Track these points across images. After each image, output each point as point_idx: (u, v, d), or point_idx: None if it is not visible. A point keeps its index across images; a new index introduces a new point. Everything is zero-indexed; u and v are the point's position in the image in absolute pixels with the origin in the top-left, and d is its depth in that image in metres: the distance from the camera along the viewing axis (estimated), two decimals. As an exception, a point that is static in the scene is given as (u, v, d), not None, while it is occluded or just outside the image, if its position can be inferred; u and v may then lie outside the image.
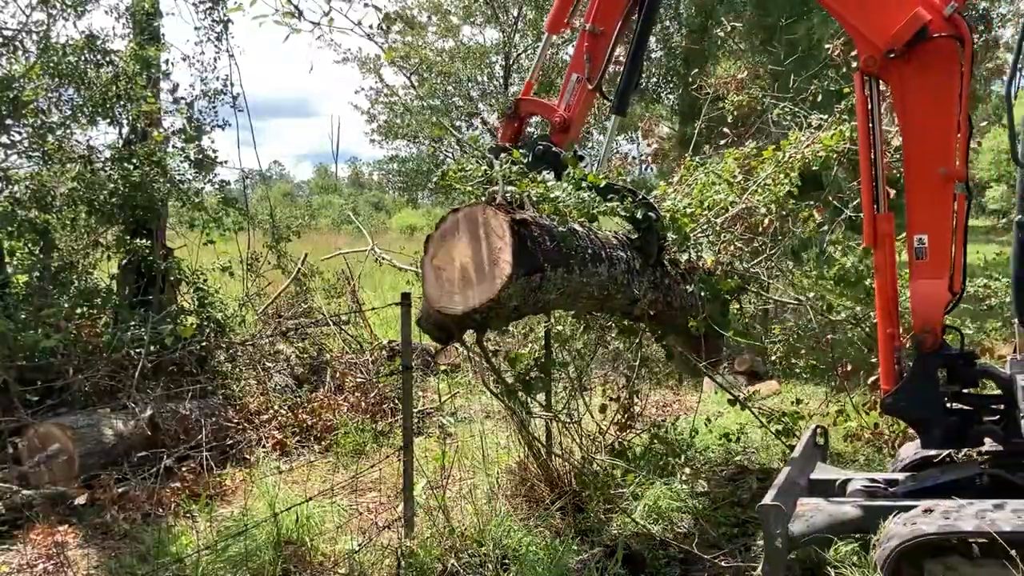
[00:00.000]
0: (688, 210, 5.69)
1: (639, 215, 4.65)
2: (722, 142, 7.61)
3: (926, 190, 4.14)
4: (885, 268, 4.26)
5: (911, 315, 4.26)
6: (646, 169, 9.60)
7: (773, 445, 6.85)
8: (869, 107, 4.22)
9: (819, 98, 7.34)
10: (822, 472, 4.66)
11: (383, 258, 9.75)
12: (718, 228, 5.88)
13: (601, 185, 4.63)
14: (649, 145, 8.67)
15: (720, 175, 6.18)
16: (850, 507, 4.05)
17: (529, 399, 4.76)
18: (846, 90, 6.36)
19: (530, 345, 5.87)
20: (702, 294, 5.33)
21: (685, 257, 5.28)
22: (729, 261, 5.84)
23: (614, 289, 4.53)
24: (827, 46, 7.57)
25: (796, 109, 7.11)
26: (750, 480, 6.17)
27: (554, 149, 5.00)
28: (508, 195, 3.97)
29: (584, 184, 4.54)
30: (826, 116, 6.46)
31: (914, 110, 4.14)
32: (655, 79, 11.02)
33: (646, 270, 4.83)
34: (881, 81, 4.25)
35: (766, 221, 6.20)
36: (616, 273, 4.48)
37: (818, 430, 5.07)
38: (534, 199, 4.12)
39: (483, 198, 4.01)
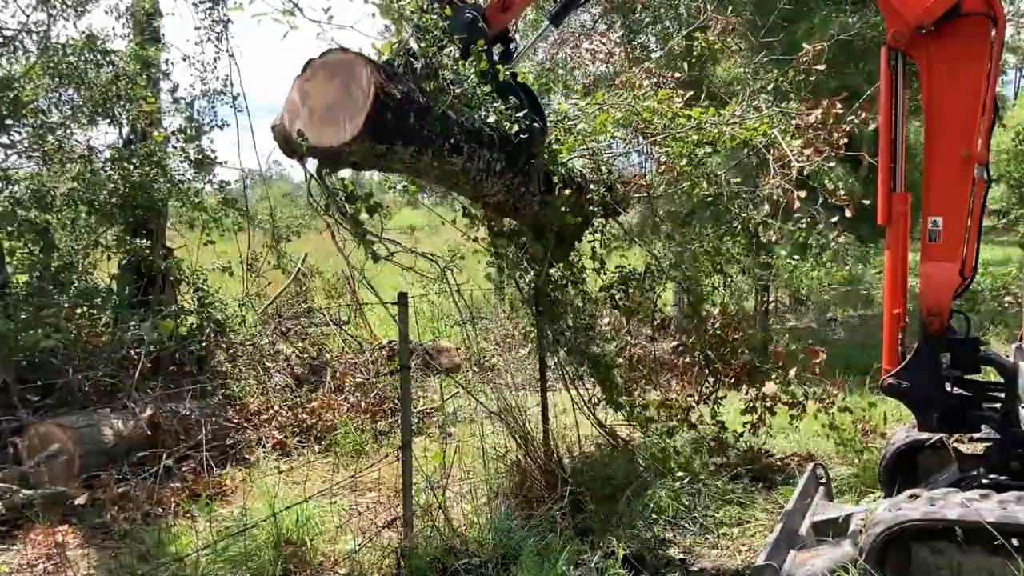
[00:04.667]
0: (578, 136, 5.57)
1: (514, 130, 4.55)
2: (677, 73, 7.37)
3: (945, 172, 4.08)
4: (897, 247, 4.23)
5: (919, 297, 4.22)
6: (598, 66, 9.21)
7: (775, 445, 6.86)
8: (893, 83, 4.16)
9: (784, 85, 7.08)
10: (825, 511, 4.52)
11: None
12: (600, 162, 5.72)
13: (501, 81, 4.53)
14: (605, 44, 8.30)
15: (639, 111, 5.93)
16: (848, 545, 4.00)
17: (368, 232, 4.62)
18: (790, 92, 6.21)
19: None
20: (549, 217, 5.27)
21: (556, 178, 5.15)
22: (604, 191, 5.67)
23: (463, 180, 4.55)
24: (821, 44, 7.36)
25: (763, 85, 6.80)
26: (750, 478, 6.17)
27: (480, 25, 4.75)
28: (410, 51, 4.00)
29: (490, 74, 4.44)
30: (772, 103, 6.30)
31: (939, 88, 4.06)
32: (655, 79, 10.96)
33: (505, 174, 4.76)
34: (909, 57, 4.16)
35: (661, 168, 6.13)
36: (471, 168, 4.46)
37: (817, 469, 4.95)
38: (433, 67, 4.11)
39: (403, 36, 4.04)
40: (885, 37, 4.16)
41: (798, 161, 5.54)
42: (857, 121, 5.52)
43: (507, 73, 4.63)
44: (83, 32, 7.61)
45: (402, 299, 4.76)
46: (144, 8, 8.23)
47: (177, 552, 4.67)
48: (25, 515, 5.32)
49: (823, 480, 4.94)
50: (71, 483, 5.71)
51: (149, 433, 6.31)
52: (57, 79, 7.38)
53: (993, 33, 3.98)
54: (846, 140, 5.64)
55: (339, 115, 3.73)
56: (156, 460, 5.74)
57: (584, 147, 5.56)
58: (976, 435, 4.53)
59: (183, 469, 6.01)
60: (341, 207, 4.15)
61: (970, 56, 3.99)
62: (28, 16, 7.46)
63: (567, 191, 5.16)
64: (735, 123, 5.94)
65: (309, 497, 4.81)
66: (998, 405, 4.25)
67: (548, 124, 5.08)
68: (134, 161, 7.49)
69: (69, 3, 7.58)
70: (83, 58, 7.45)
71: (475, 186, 4.63)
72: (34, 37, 7.49)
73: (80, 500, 5.45)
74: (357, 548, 4.68)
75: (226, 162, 8.50)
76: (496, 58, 4.80)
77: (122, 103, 7.67)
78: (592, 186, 5.57)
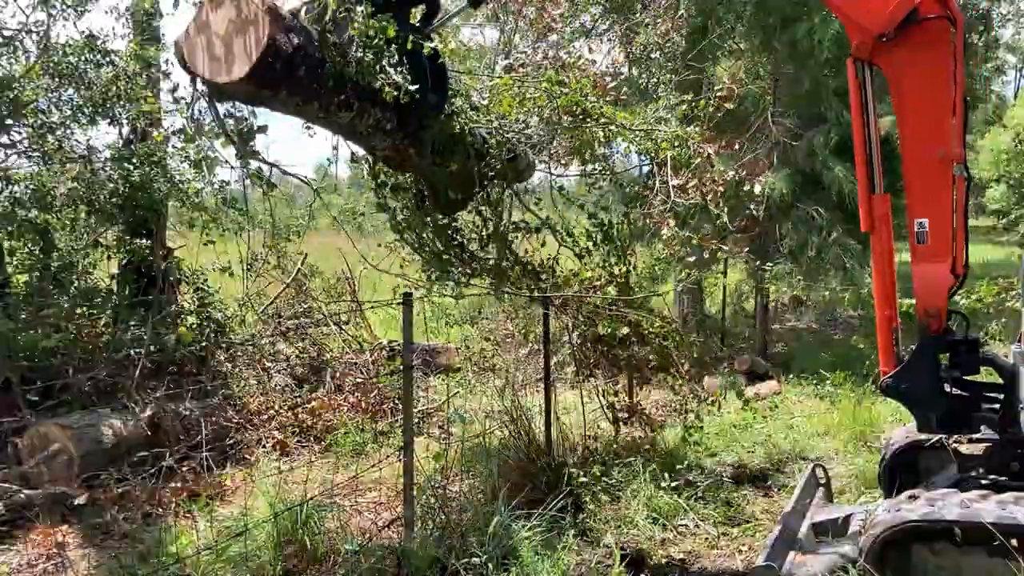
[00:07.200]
0: (482, 114, 5.52)
1: (401, 99, 4.35)
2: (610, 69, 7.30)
3: (924, 174, 4.11)
4: (882, 251, 4.24)
5: (915, 300, 4.23)
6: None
7: (774, 445, 6.86)
8: (862, 93, 4.21)
9: (694, 111, 6.80)
10: (824, 512, 4.53)
11: None
12: (503, 138, 5.58)
13: (409, 48, 4.34)
14: None
15: (558, 99, 5.73)
16: (848, 546, 4.01)
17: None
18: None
19: None
20: (435, 181, 5.24)
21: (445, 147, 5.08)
22: (504, 163, 5.52)
23: (348, 133, 4.61)
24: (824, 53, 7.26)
25: (678, 103, 6.70)
26: (750, 478, 6.18)
27: None
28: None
29: (401, 38, 4.26)
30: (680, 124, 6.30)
31: (908, 93, 4.11)
32: (655, 80, 10.96)
33: (395, 134, 4.71)
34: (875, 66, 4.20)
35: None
36: (358, 124, 4.45)
37: (816, 470, 4.95)
38: (342, 22, 4.05)
39: None
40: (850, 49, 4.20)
41: (672, 195, 5.56)
42: (737, 178, 5.56)
43: (417, 42, 4.42)
44: (83, 32, 7.61)
45: (407, 299, 4.75)
46: (144, 8, 8.22)
47: (177, 552, 4.66)
48: (25, 515, 5.32)
49: (823, 481, 4.94)
50: (71, 483, 5.71)
51: (149, 433, 6.31)
52: (57, 79, 7.36)
53: (953, 33, 3.99)
54: (719, 189, 5.65)
55: (230, 54, 3.71)
56: (156, 460, 5.74)
57: (491, 121, 5.46)
58: (976, 435, 4.53)
59: (183, 469, 6.01)
60: (229, 129, 4.18)
61: (934, 59, 4.02)
62: (28, 16, 7.47)
63: (454, 164, 5.10)
64: (640, 131, 5.92)
65: (309, 497, 4.81)
66: (997, 406, 4.26)
67: (448, 97, 4.98)
68: (134, 161, 7.49)
69: (69, 3, 7.57)
70: (83, 58, 7.44)
71: (363, 140, 4.69)
72: (34, 37, 7.48)
73: (80, 500, 5.45)
74: (357, 548, 4.68)
75: (226, 162, 8.48)
76: (418, 22, 4.71)
77: (122, 103, 7.66)
78: (490, 158, 5.42)
